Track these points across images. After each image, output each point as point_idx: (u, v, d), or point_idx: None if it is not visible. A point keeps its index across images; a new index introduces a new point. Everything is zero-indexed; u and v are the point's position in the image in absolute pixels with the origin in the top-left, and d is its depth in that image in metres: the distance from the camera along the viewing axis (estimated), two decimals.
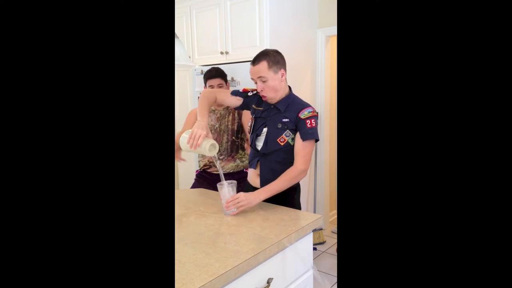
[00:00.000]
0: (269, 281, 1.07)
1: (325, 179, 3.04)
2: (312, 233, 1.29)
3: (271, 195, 1.39)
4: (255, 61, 1.46)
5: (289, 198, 1.51)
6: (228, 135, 2.05)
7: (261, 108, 1.55)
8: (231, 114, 2.06)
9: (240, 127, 2.11)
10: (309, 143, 1.45)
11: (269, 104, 1.53)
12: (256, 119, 1.57)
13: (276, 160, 1.50)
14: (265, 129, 1.52)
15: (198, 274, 0.90)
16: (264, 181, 1.48)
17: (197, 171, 2.22)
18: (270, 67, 1.44)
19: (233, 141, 2.07)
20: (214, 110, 2.10)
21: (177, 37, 1.54)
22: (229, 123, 2.06)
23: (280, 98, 1.51)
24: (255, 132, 1.56)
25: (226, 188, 1.37)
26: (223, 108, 2.08)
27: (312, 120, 1.45)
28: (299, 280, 1.24)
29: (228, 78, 2.54)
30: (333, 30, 2.77)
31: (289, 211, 1.38)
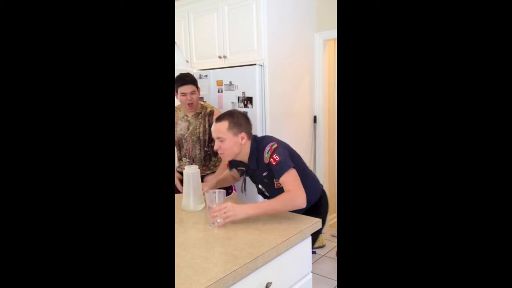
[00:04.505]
0: (268, 285, 1.07)
1: (324, 183, 3.03)
2: (311, 236, 1.29)
3: (260, 213, 1.31)
4: (218, 119, 1.45)
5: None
6: (200, 145, 2.09)
7: (243, 169, 1.56)
8: (201, 125, 2.07)
9: (211, 136, 2.14)
10: (287, 175, 1.38)
11: (245, 165, 1.52)
12: (245, 178, 1.59)
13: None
14: (260, 186, 1.56)
15: (197, 278, 0.89)
16: None
17: None
18: (230, 128, 1.41)
19: (206, 151, 2.11)
20: (184, 116, 2.10)
21: (175, 42, 1.54)
22: (201, 134, 2.08)
23: (245, 156, 1.49)
24: (258, 188, 1.60)
25: (214, 196, 1.31)
26: (192, 116, 2.07)
27: (274, 156, 1.40)
28: (298, 284, 1.23)
29: (226, 82, 2.55)
30: (331, 34, 2.78)
31: (288, 214, 1.37)
